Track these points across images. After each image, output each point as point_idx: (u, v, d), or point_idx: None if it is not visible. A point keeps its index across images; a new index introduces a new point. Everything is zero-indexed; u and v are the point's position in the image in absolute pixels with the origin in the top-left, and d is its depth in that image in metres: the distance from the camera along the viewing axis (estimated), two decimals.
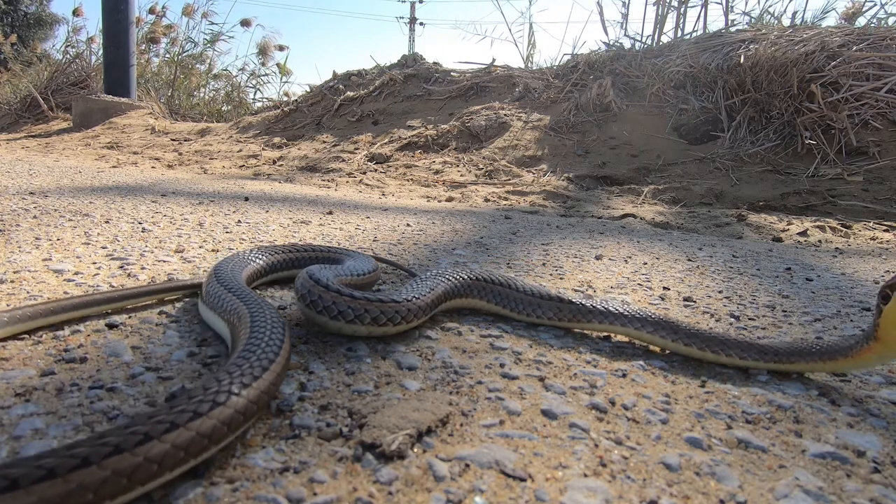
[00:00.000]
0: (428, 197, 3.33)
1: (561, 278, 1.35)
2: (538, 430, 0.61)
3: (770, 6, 5.32)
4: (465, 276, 0.99)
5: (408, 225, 2.06)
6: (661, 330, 0.83)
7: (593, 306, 0.90)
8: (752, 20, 4.89)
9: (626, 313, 0.87)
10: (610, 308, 0.89)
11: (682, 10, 5.21)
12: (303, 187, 3.47)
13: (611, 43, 5.27)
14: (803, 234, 2.54)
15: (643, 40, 5.27)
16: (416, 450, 0.55)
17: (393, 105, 5.36)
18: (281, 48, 8.91)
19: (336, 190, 3.47)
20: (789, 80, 3.71)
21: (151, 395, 0.63)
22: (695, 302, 1.20)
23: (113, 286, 1.03)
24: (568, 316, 0.91)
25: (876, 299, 0.70)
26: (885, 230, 2.62)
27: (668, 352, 0.86)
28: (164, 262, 1.25)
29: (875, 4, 4.66)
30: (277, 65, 8.68)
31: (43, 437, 0.54)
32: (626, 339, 0.91)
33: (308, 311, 0.82)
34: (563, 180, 3.66)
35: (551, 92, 4.84)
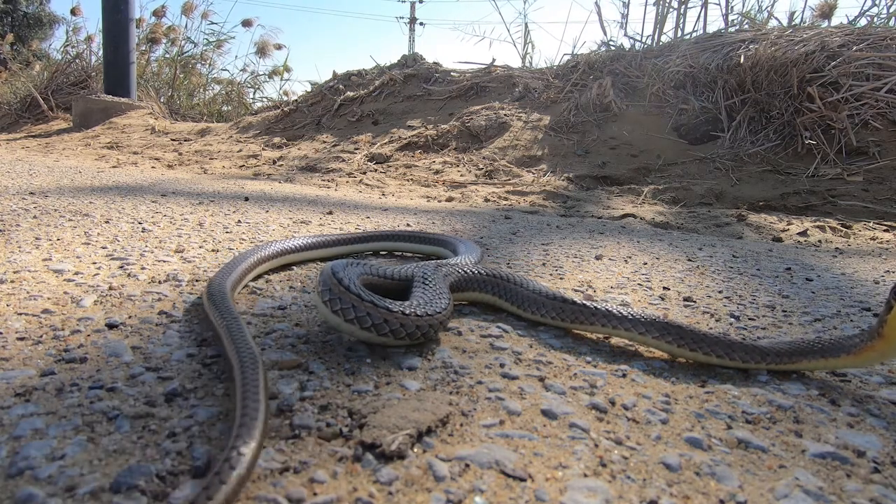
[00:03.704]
0: (428, 197, 3.33)
1: (561, 278, 1.35)
2: (538, 430, 0.61)
3: (766, 6, 5.33)
4: (473, 272, 1.01)
5: (408, 225, 2.06)
6: (668, 335, 0.83)
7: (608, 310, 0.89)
8: (743, 17, 4.89)
9: (631, 317, 0.87)
10: (615, 312, 0.89)
11: (682, 10, 5.22)
12: (303, 187, 3.47)
13: (608, 41, 5.27)
14: (803, 234, 2.54)
15: (643, 40, 5.28)
16: (416, 450, 0.55)
17: (393, 105, 5.36)
18: (279, 47, 8.91)
19: (336, 190, 3.47)
20: (789, 80, 3.71)
21: (151, 395, 0.63)
22: (695, 302, 1.20)
23: (113, 287, 1.03)
24: (570, 317, 0.91)
25: (888, 295, 0.69)
26: (885, 230, 2.61)
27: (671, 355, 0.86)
28: (165, 262, 1.25)
29: (874, 5, 4.66)
30: (278, 71, 8.67)
31: (43, 437, 0.54)
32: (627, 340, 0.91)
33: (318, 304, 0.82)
34: (563, 180, 3.66)
35: (551, 92, 4.84)
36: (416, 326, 0.77)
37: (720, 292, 1.32)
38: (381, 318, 0.76)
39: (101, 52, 7.26)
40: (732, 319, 1.09)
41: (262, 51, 8.73)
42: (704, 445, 0.60)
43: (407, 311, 0.77)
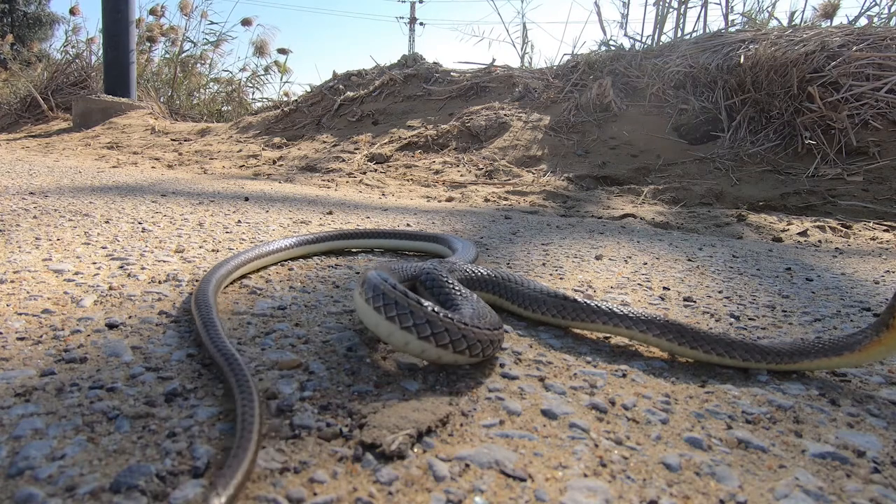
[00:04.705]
0: (428, 197, 3.33)
1: (561, 278, 1.35)
2: (538, 430, 0.61)
3: (767, 6, 5.33)
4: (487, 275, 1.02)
5: (408, 225, 2.06)
6: (668, 333, 0.82)
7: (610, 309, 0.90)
8: (746, 19, 4.90)
9: (631, 315, 0.87)
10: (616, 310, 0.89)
11: (682, 10, 5.22)
12: (303, 187, 3.47)
13: (607, 41, 5.26)
14: (803, 234, 2.54)
15: (643, 40, 5.28)
16: (416, 450, 0.55)
17: (393, 105, 5.36)
18: (284, 51, 8.91)
19: (336, 190, 3.47)
20: (789, 80, 3.71)
21: (151, 395, 0.63)
22: (695, 302, 1.20)
23: (113, 287, 1.03)
24: (571, 315, 0.91)
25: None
26: (885, 230, 2.61)
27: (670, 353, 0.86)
28: (165, 262, 1.25)
29: (875, 4, 4.66)
30: (276, 63, 8.68)
31: (43, 437, 0.54)
32: (627, 340, 0.91)
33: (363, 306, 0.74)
34: (563, 180, 3.66)
35: (551, 92, 4.84)
36: (478, 341, 0.69)
37: (720, 292, 1.32)
38: (443, 327, 0.67)
39: (101, 52, 7.26)
40: (732, 319, 1.09)
41: (260, 50, 8.73)
42: (704, 445, 0.60)
43: (467, 322, 0.69)
